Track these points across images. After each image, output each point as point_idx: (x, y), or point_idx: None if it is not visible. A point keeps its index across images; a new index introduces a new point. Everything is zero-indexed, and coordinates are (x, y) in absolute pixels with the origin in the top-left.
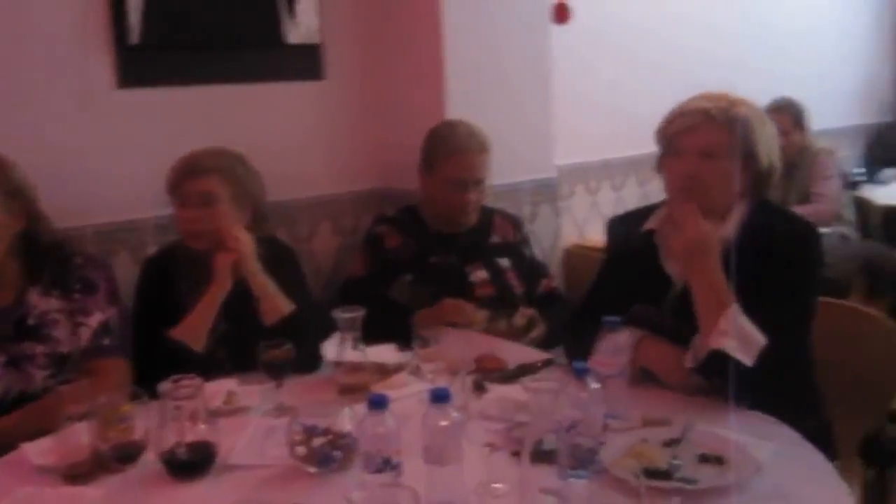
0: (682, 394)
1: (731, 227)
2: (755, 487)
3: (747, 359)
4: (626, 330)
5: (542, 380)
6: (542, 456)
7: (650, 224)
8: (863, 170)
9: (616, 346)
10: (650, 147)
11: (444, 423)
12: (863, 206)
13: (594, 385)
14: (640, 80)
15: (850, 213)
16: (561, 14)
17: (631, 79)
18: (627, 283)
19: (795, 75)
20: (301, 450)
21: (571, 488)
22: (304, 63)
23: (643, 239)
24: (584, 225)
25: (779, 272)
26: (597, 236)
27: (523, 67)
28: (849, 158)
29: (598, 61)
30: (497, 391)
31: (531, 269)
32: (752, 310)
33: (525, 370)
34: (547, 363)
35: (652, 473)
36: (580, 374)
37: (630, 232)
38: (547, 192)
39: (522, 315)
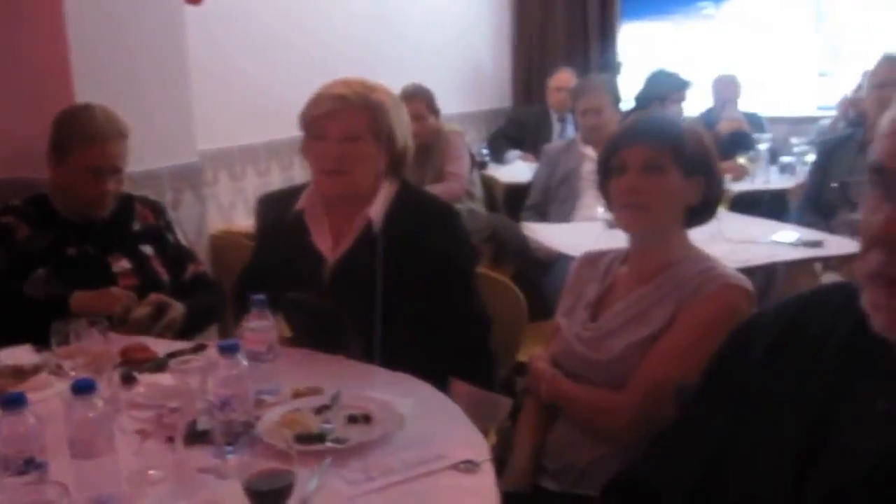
0: None
1: (378, 208)
2: (399, 439)
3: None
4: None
5: (189, 361)
6: (197, 437)
7: (300, 204)
8: (486, 151)
9: (264, 322)
10: (291, 132)
11: (89, 414)
12: (488, 184)
13: (243, 362)
14: (279, 64)
15: (478, 191)
16: None
17: (270, 63)
18: (281, 262)
19: (425, 63)
20: None
21: (228, 464)
22: None
23: (293, 219)
24: (230, 211)
25: (436, 250)
26: (243, 222)
27: (156, 49)
28: (475, 141)
29: (237, 45)
30: (147, 380)
31: (176, 255)
32: (419, 288)
33: (176, 356)
34: (199, 348)
35: (304, 438)
36: (228, 352)
37: (280, 211)
38: (189, 177)
39: (145, 305)
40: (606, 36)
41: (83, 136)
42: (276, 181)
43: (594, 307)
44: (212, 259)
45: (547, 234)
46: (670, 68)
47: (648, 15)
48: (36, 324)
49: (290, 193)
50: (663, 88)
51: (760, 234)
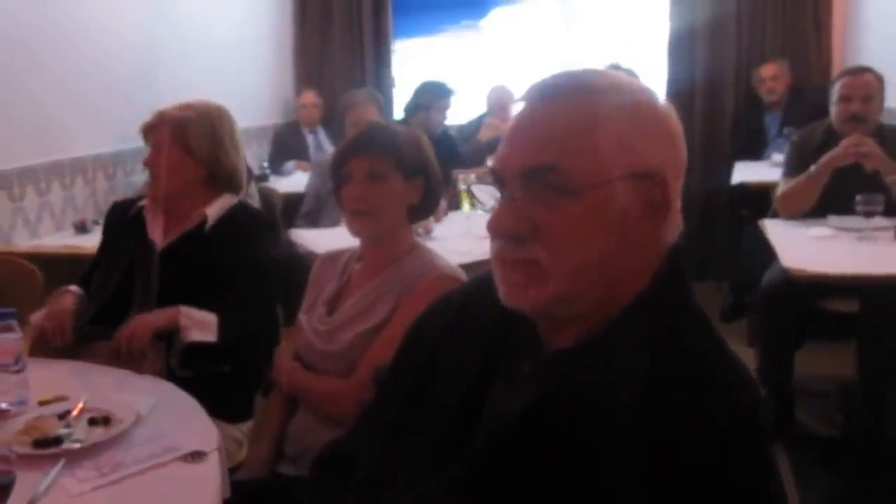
0: None
1: (213, 210)
2: (137, 435)
3: (210, 336)
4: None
5: None
6: None
7: (141, 202)
8: (267, 164)
9: (11, 335)
10: (72, 151)
11: None
12: (267, 196)
13: None
14: (57, 84)
15: (255, 202)
16: None
17: (47, 83)
18: (119, 250)
19: (208, 79)
20: None
21: None
22: None
23: (134, 214)
24: (9, 232)
25: (245, 254)
26: (24, 242)
27: None
28: (259, 155)
29: (9, 65)
30: None
31: None
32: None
33: None
34: None
35: (41, 443)
36: None
37: (124, 211)
38: None
39: None
40: (381, 54)
41: None
42: (57, 200)
43: (331, 303)
44: None
45: (315, 240)
46: (438, 79)
47: (419, 33)
48: None
49: (137, 199)
50: (428, 97)
51: None
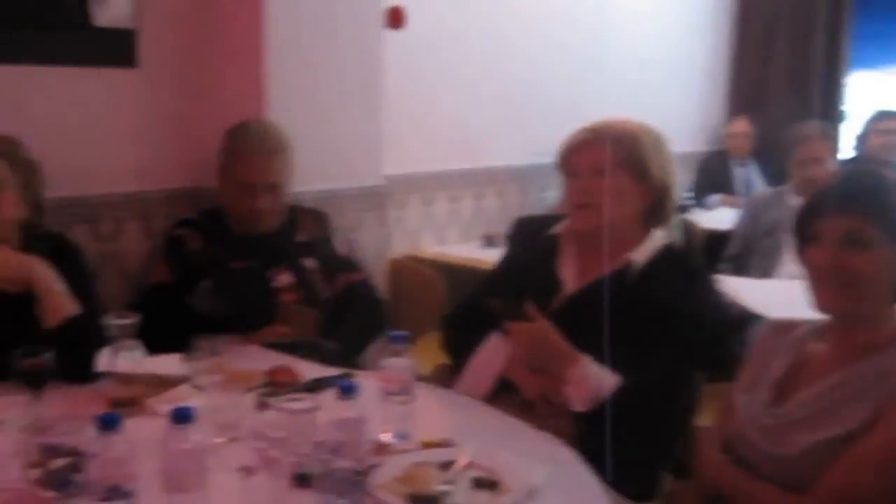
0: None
1: (641, 255)
2: None
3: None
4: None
5: (299, 398)
6: (304, 480)
7: (557, 230)
8: (692, 194)
9: (402, 361)
10: (485, 161)
11: (183, 445)
12: (688, 229)
13: (356, 405)
14: (481, 94)
15: (675, 234)
16: (395, 18)
17: (468, 91)
18: (518, 282)
19: (633, 100)
20: (36, 471)
21: None
22: (115, 48)
23: (546, 242)
24: (417, 235)
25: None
26: (430, 248)
27: (352, 69)
28: (680, 183)
29: (439, 74)
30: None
31: (335, 265)
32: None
33: (319, 384)
34: (345, 376)
35: (419, 499)
36: (345, 393)
37: (534, 232)
38: (373, 200)
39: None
40: (831, 85)
41: (236, 152)
42: (467, 209)
43: (779, 388)
44: (391, 282)
45: (742, 290)
46: None
47: (881, 64)
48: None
49: (548, 218)
50: (865, 123)
51: None
